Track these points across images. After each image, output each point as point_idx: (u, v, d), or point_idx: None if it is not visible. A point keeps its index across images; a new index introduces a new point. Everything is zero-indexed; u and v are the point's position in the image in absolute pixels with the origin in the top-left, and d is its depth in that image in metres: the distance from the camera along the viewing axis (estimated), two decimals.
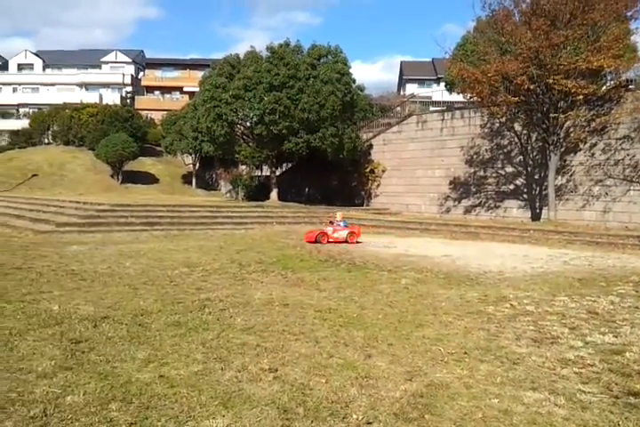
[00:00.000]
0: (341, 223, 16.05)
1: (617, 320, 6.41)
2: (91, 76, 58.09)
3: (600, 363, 4.79)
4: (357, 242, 15.34)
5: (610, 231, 16.90)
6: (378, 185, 28.51)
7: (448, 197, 25.04)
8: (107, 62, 60.45)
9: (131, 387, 4.00)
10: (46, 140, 44.72)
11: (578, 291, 8.32)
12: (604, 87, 19.60)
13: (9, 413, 3.51)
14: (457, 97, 28.39)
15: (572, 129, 19.93)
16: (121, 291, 7.65)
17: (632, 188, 18.80)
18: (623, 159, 19.13)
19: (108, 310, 6.45)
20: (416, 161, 26.51)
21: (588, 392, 4.10)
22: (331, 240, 15.15)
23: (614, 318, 6.56)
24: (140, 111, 47.86)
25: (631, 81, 20.07)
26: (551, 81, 17.90)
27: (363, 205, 28.49)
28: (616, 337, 5.64)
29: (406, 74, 58.12)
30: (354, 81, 26.52)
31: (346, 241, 15.27)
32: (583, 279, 9.43)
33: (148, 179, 39.01)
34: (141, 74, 62.00)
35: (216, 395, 3.88)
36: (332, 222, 16.21)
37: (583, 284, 9.03)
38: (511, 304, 7.27)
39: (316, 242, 14.83)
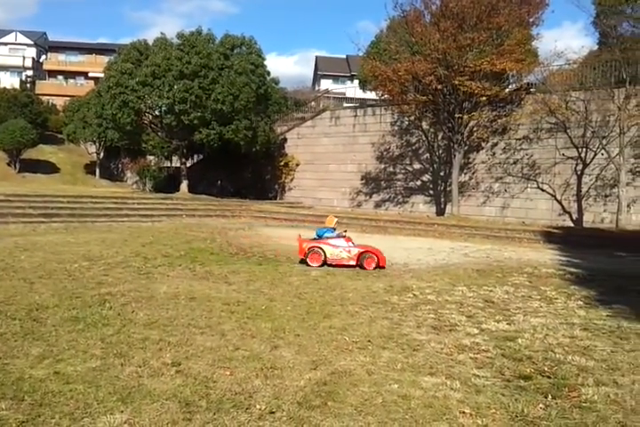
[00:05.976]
0: (330, 232, 10.47)
1: (511, 309, 6.83)
2: None
3: (494, 349, 5.08)
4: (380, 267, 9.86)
5: (508, 226, 17.95)
6: (292, 179, 28.57)
7: (360, 191, 25.55)
8: (5, 44, 56.11)
9: (23, 384, 3.81)
10: None
11: (476, 281, 8.79)
12: (507, 90, 20.70)
13: None
14: (370, 94, 29.00)
15: (475, 129, 20.92)
16: (15, 285, 7.19)
17: (529, 185, 20.07)
18: (522, 158, 20.35)
19: (1, 304, 6.06)
20: (329, 156, 26.81)
21: (482, 376, 4.33)
22: (331, 263, 9.96)
23: (508, 306, 6.98)
24: (42, 97, 44.93)
25: (532, 84, 21.32)
26: (457, 82, 18.67)
27: (276, 199, 28.45)
28: (509, 324, 6.00)
29: (321, 69, 58.53)
30: (268, 73, 26.37)
31: (361, 266, 9.80)
32: (481, 271, 9.97)
33: (48, 168, 36.79)
34: (44, 57, 58.08)
35: (115, 391, 3.75)
36: (343, 237, 10.31)
37: (481, 275, 9.55)
38: (414, 294, 7.55)
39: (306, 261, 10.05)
